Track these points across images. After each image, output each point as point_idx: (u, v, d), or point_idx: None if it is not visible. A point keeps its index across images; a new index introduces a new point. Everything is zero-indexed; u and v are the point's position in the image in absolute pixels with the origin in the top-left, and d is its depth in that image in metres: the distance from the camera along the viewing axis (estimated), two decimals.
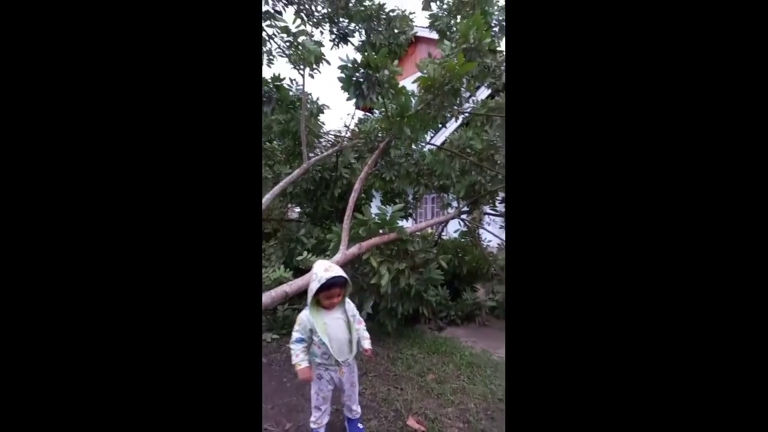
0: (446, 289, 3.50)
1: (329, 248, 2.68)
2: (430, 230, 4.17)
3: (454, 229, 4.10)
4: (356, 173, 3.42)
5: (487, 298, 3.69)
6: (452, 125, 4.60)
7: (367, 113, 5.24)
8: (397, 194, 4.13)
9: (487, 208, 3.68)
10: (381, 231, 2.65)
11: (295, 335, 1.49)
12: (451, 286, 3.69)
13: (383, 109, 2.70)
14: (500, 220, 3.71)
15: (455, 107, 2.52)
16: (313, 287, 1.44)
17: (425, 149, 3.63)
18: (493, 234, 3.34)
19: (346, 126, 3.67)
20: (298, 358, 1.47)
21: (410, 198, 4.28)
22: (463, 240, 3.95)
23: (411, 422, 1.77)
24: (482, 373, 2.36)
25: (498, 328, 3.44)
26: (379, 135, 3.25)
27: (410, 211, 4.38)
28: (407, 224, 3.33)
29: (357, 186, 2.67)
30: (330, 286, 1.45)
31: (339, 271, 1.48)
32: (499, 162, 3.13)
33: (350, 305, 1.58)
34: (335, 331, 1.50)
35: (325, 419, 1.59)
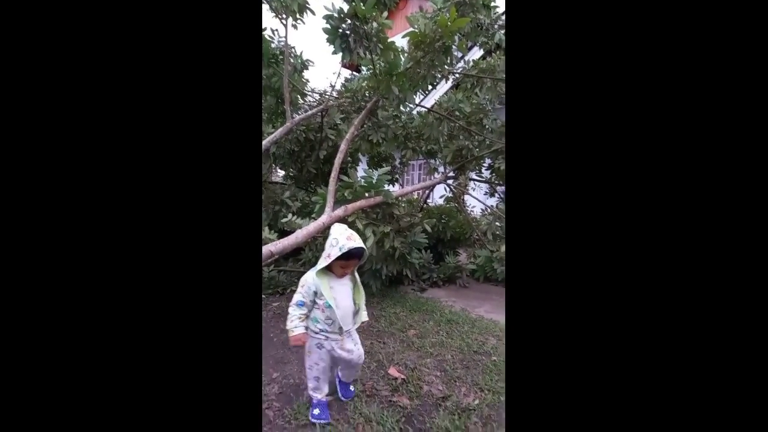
0: (430, 253, 3.60)
1: (314, 210, 2.67)
2: (416, 195, 4.19)
3: (440, 194, 4.13)
4: (342, 134, 3.33)
5: (468, 262, 3.84)
6: (442, 87, 4.47)
7: (354, 73, 5.00)
8: (384, 158, 4.07)
9: (473, 174, 3.70)
10: (367, 194, 2.64)
11: (296, 297, 1.40)
12: (435, 250, 3.80)
13: (371, 67, 2.57)
14: (485, 186, 3.75)
15: (446, 67, 2.43)
16: (333, 253, 1.34)
17: (413, 112, 3.54)
18: (477, 200, 3.39)
19: (331, 85, 3.50)
20: (292, 323, 1.38)
21: (397, 162, 4.24)
22: (447, 206, 4.00)
23: (392, 371, 1.89)
24: (460, 329, 2.50)
25: (477, 289, 3.62)
26: (367, 94, 3.13)
27: (397, 176, 4.36)
28: (394, 189, 3.33)
29: (343, 147, 2.61)
30: (350, 256, 1.37)
31: (360, 242, 1.39)
32: (486, 126, 3.10)
33: (356, 275, 1.53)
34: (342, 297, 1.43)
35: (326, 389, 1.53)
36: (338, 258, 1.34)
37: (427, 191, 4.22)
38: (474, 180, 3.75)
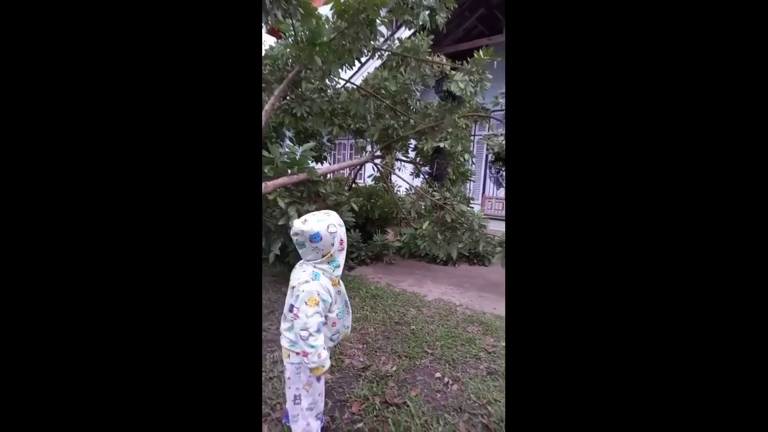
0: (358, 232, 3.63)
1: None
2: (345, 174, 4.14)
3: (369, 174, 4.14)
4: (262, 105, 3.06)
5: (395, 240, 3.98)
6: (372, 64, 4.40)
7: (279, 42, 4.60)
8: (310, 135, 3.90)
9: (399, 154, 3.79)
10: (290, 171, 2.51)
11: (315, 321, 0.98)
12: (363, 229, 3.84)
13: (292, 33, 2.38)
14: (410, 167, 3.87)
15: (371, 42, 2.37)
16: (344, 239, 1.07)
17: (340, 87, 3.43)
18: (403, 179, 3.49)
19: None
20: (324, 355, 1.00)
21: (325, 140, 4.10)
22: (375, 185, 4.05)
23: None
24: (384, 303, 2.61)
25: (402, 265, 3.80)
26: (289, 62, 2.92)
27: (325, 154, 4.23)
28: (320, 167, 3.23)
29: (263, 119, 2.40)
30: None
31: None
32: (411, 107, 3.17)
33: None
34: (344, 292, 1.16)
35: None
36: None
37: (356, 171, 4.19)
38: (400, 160, 3.84)
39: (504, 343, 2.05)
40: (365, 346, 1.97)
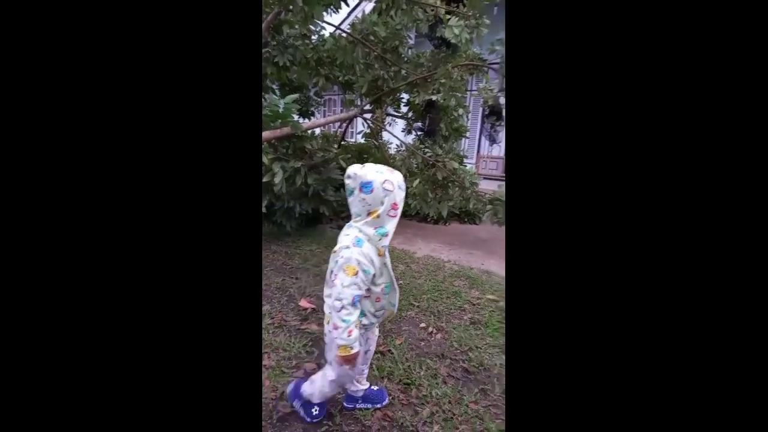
0: None
1: None
2: (334, 130, 3.98)
3: (359, 131, 3.99)
4: None
5: None
6: (360, 7, 4.05)
7: None
8: (297, 88, 3.68)
9: (390, 109, 3.62)
10: (272, 125, 2.38)
11: (352, 294, 0.88)
12: None
13: None
14: (402, 123, 3.72)
15: None
16: (398, 199, 0.91)
17: (325, 33, 3.16)
18: (394, 135, 3.36)
19: None
20: (353, 335, 0.89)
21: (312, 93, 3.88)
22: (366, 142, 3.92)
23: (303, 303, 1.92)
24: None
25: None
26: (268, 2, 2.66)
27: (313, 108, 4.03)
28: (305, 121, 3.08)
29: None
30: (405, 194, 0.95)
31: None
32: (403, 56, 2.96)
33: None
34: (389, 267, 1.01)
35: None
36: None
37: (345, 127, 4.03)
38: (391, 115, 3.67)
39: (489, 296, 2.11)
40: None
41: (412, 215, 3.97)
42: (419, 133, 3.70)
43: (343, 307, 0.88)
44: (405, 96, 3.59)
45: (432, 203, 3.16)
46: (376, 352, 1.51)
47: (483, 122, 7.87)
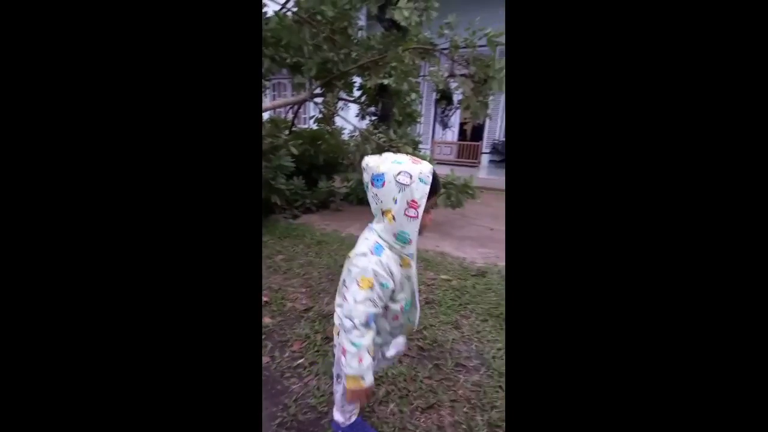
0: (302, 179, 3.46)
1: None
2: (284, 115, 3.79)
3: (311, 116, 3.84)
4: None
5: (342, 186, 3.88)
6: None
7: None
8: None
9: (343, 93, 3.52)
10: None
11: (365, 312, 0.75)
12: (308, 176, 3.67)
13: None
14: (355, 107, 3.65)
15: None
16: (419, 194, 0.73)
17: (267, 12, 2.96)
18: (347, 121, 3.29)
19: None
20: (365, 363, 0.75)
21: None
22: (318, 127, 3.79)
23: None
24: (329, 248, 2.60)
25: (351, 211, 3.77)
26: None
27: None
28: None
29: None
30: (439, 187, 0.80)
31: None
32: (352, 37, 2.87)
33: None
34: (414, 280, 0.86)
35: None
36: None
37: (294, 111, 3.86)
38: (343, 99, 3.58)
39: (443, 276, 2.19)
40: (309, 289, 1.97)
41: None
42: (373, 118, 3.67)
43: (354, 327, 0.73)
44: (357, 80, 3.51)
45: None
46: (331, 339, 1.50)
47: (436, 107, 8.01)
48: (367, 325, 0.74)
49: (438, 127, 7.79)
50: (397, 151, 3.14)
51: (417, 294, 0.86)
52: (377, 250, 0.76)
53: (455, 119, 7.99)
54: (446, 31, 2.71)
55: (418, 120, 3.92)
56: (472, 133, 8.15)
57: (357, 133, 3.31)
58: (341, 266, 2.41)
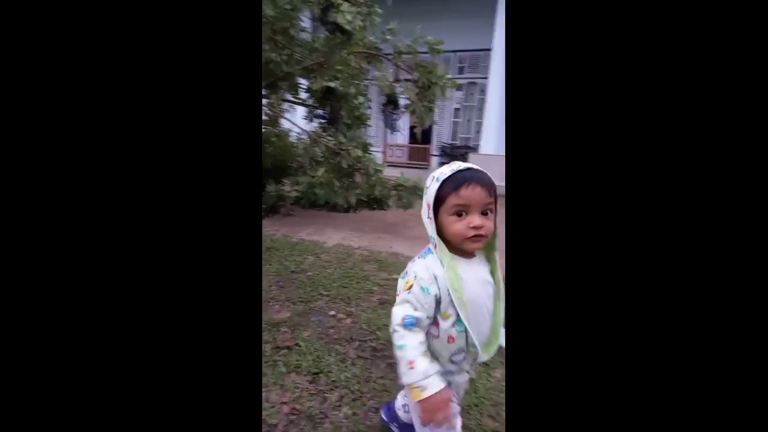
0: None
1: None
2: None
3: None
4: None
5: (291, 190, 3.77)
6: None
7: None
8: None
9: (288, 95, 3.43)
10: None
11: (401, 313, 0.70)
12: None
13: None
14: (302, 110, 3.58)
15: None
16: (428, 196, 0.71)
17: None
18: (293, 123, 3.21)
19: None
20: (422, 367, 0.67)
21: None
22: (264, 130, 3.64)
23: None
24: (279, 254, 2.51)
25: (301, 215, 3.68)
26: None
27: None
28: None
29: None
30: (461, 183, 0.68)
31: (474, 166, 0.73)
32: (295, 38, 2.81)
33: (495, 247, 0.79)
34: (478, 298, 0.72)
35: None
36: (441, 199, 0.70)
37: None
38: (288, 101, 3.49)
39: (395, 276, 2.23)
40: None
41: (321, 205, 3.91)
42: (321, 120, 3.62)
43: (394, 331, 0.70)
44: (304, 82, 3.44)
45: (339, 192, 3.15)
46: (282, 348, 1.45)
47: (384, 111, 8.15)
48: (406, 326, 0.69)
49: (388, 130, 7.92)
50: (348, 153, 3.14)
51: (467, 311, 0.70)
52: (425, 253, 0.75)
53: (404, 123, 8.20)
54: (389, 37, 2.78)
55: (368, 123, 3.96)
56: (422, 136, 8.42)
57: (305, 136, 3.24)
58: (292, 272, 2.33)
